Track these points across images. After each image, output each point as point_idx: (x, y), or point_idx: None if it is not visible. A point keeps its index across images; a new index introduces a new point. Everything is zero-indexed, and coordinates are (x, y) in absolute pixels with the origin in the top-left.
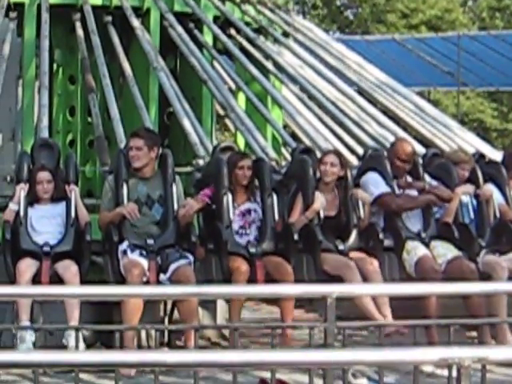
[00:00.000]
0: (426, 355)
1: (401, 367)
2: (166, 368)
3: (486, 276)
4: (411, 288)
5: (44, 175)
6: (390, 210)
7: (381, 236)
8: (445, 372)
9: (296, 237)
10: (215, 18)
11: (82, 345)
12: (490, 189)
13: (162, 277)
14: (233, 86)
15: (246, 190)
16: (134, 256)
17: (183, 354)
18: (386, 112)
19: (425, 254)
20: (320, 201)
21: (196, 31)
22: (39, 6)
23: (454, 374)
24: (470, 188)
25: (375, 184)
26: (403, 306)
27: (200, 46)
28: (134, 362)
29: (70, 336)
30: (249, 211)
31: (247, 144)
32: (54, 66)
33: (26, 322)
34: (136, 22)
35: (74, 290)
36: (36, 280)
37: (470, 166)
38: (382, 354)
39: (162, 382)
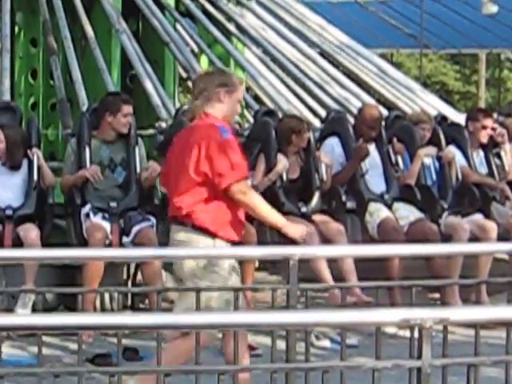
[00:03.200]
0: (387, 316)
1: (363, 329)
2: (130, 331)
3: (447, 237)
4: (374, 249)
5: None
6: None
7: (343, 198)
8: (407, 333)
9: None
10: None
11: (28, 311)
12: (452, 151)
13: (125, 239)
14: (195, 49)
15: None
16: (97, 219)
17: (146, 317)
18: (349, 74)
19: (387, 216)
20: (283, 163)
21: None
22: None
23: (416, 335)
24: (431, 150)
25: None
26: (366, 268)
27: (162, 8)
28: (97, 324)
29: (20, 300)
30: None
31: None
32: (16, 28)
33: None
34: None
35: (35, 252)
36: None
37: (430, 126)
38: (343, 315)
39: (126, 345)
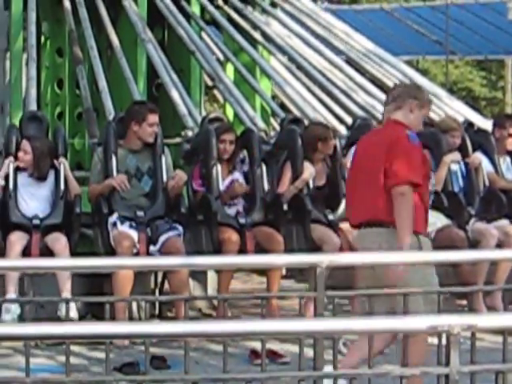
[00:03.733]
0: (415, 323)
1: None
2: (157, 339)
3: (475, 243)
4: (403, 256)
5: (24, 145)
6: None
7: None
8: (435, 340)
9: (285, 207)
10: None
11: (74, 315)
12: (479, 157)
13: (152, 248)
14: (221, 57)
15: (229, 162)
16: (124, 228)
17: (173, 325)
18: (374, 81)
19: None
20: (309, 171)
21: (183, 2)
22: None
23: (444, 341)
24: (457, 156)
25: None
26: None
27: (188, 16)
28: (125, 333)
29: (63, 308)
30: (232, 183)
31: (236, 115)
32: (42, 38)
33: (12, 295)
34: None
35: (63, 262)
36: (26, 253)
37: (460, 133)
38: (372, 322)
39: (153, 353)
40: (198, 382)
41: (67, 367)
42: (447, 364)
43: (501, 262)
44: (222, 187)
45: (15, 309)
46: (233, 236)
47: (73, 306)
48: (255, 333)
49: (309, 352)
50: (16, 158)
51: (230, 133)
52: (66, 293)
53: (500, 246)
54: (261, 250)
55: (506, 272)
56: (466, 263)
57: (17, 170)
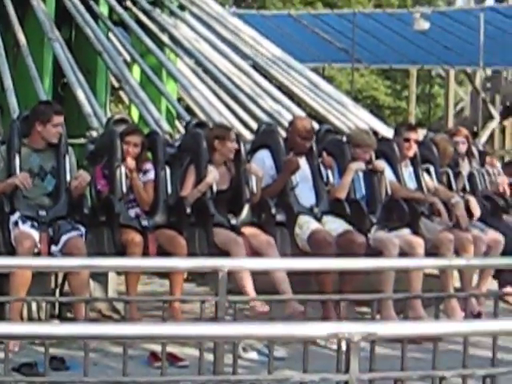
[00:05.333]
0: (316, 330)
1: (292, 341)
2: (57, 340)
3: (376, 252)
4: (304, 263)
5: None
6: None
7: (273, 211)
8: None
9: (188, 210)
10: None
11: None
12: (382, 163)
13: (54, 248)
14: (128, 58)
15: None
16: (26, 227)
17: (74, 326)
18: (281, 87)
19: (317, 228)
20: (213, 174)
21: (92, 2)
22: None
23: (344, 348)
24: (362, 165)
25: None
26: (297, 280)
27: (95, 17)
28: (24, 333)
29: None
30: None
31: (141, 116)
32: None
33: None
34: None
35: None
36: None
37: (371, 150)
38: (272, 327)
39: (52, 354)
40: None
41: None
42: (347, 371)
43: (411, 271)
44: (124, 189)
45: None
46: (136, 237)
47: None
48: (156, 336)
49: (208, 356)
50: None
51: (136, 135)
52: None
53: (402, 255)
54: (163, 252)
55: (419, 281)
56: (371, 271)
57: None
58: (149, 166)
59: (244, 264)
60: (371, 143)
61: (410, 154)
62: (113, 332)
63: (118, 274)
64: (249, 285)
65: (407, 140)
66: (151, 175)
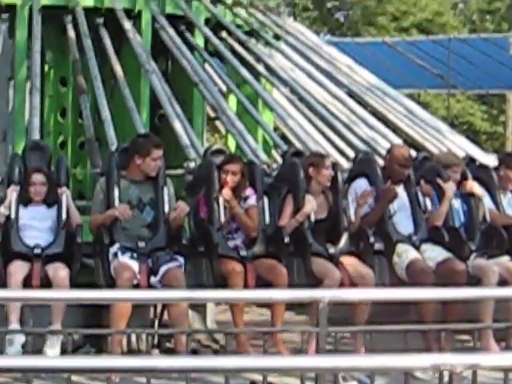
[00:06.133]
0: (418, 361)
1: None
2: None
3: (475, 280)
4: (405, 293)
5: (39, 177)
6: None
7: (371, 239)
8: (427, 375)
9: (287, 240)
10: (207, 21)
11: (57, 351)
12: (474, 184)
13: (153, 279)
14: (224, 89)
15: (233, 193)
16: (125, 259)
17: (176, 360)
18: (377, 115)
19: (416, 257)
20: (311, 204)
21: (187, 33)
22: (31, 8)
23: (446, 379)
24: (453, 185)
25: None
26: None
27: (191, 48)
28: (127, 366)
29: (48, 340)
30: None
31: (238, 146)
32: (46, 67)
33: (15, 325)
34: (128, 24)
35: (61, 293)
36: (27, 282)
37: (460, 169)
38: (374, 359)
39: None
40: None
41: None
42: None
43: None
44: (223, 219)
45: (19, 339)
46: (237, 267)
47: (53, 342)
48: (258, 368)
49: None
50: (22, 187)
51: (234, 163)
52: (56, 325)
53: (502, 283)
54: (263, 282)
55: None
56: (470, 301)
57: (19, 199)
58: (249, 191)
59: (344, 294)
60: (458, 162)
61: None
62: (215, 364)
63: (217, 304)
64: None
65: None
66: (253, 201)
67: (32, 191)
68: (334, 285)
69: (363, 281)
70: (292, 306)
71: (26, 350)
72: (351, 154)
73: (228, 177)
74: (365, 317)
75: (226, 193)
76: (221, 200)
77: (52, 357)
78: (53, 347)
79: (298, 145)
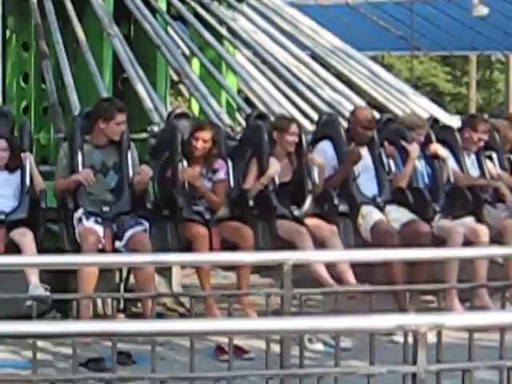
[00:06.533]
0: (382, 322)
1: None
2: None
3: (440, 241)
4: (369, 254)
5: (0, 143)
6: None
7: (336, 201)
8: (401, 338)
9: (251, 203)
10: None
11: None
12: (444, 151)
13: (118, 244)
14: (187, 52)
15: (203, 159)
16: (90, 223)
17: (142, 324)
18: (340, 77)
19: (380, 219)
20: (275, 167)
21: None
22: None
23: (411, 340)
24: (416, 147)
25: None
26: (361, 271)
27: (154, 11)
28: (93, 331)
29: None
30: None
31: (202, 110)
32: (7, 32)
33: None
34: None
35: (29, 259)
36: None
37: (424, 131)
38: (338, 321)
39: (119, 349)
40: (165, 380)
41: (34, 364)
42: (414, 363)
43: (476, 260)
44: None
45: None
46: (201, 230)
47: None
48: (223, 331)
49: (274, 348)
50: None
51: (206, 130)
52: (35, 277)
53: (466, 243)
54: (227, 245)
55: (484, 269)
56: (435, 261)
57: None
58: (219, 164)
59: (309, 256)
60: (422, 124)
61: (481, 144)
62: (181, 328)
63: (182, 267)
64: (326, 275)
65: (480, 139)
66: (222, 175)
67: None
68: (307, 244)
69: (329, 240)
70: (257, 268)
71: None
72: (315, 116)
73: (198, 144)
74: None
75: (190, 173)
76: (185, 164)
77: (16, 322)
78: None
79: (262, 108)
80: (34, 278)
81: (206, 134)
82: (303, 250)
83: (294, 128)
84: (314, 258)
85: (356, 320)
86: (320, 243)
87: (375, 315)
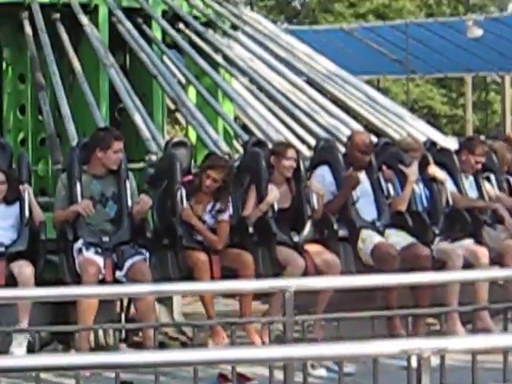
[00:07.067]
0: (385, 347)
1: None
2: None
3: (440, 264)
4: (370, 279)
5: None
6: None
7: (335, 226)
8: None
9: (251, 230)
10: (163, 13)
11: (24, 350)
12: (436, 169)
13: (118, 273)
14: (183, 80)
15: (210, 194)
16: (90, 254)
17: (146, 355)
18: (337, 102)
19: (380, 241)
20: (274, 193)
21: (145, 26)
22: None
23: (414, 364)
24: (415, 170)
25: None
26: (363, 297)
27: (149, 41)
28: (97, 363)
29: (15, 339)
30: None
31: (199, 138)
32: (4, 64)
33: None
34: (84, 19)
35: (28, 292)
36: None
37: (419, 153)
38: (342, 347)
39: (122, 379)
40: None
41: None
42: None
43: (477, 282)
44: (208, 214)
45: None
46: (202, 257)
47: (20, 341)
48: (227, 360)
49: (278, 375)
50: None
51: (217, 170)
52: (23, 325)
53: (466, 265)
54: (228, 273)
55: (485, 291)
56: (436, 285)
57: None
58: (225, 205)
59: (310, 283)
60: (417, 147)
61: (478, 167)
62: (185, 358)
63: (184, 296)
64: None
65: (478, 162)
66: (227, 216)
67: None
68: (296, 273)
69: (329, 268)
70: (257, 295)
71: None
72: (312, 142)
73: (208, 181)
74: (325, 304)
75: (187, 214)
76: (183, 192)
77: (20, 356)
78: (20, 346)
79: (259, 134)
80: (24, 318)
81: (218, 175)
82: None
83: (291, 153)
84: (315, 284)
85: (360, 346)
86: (320, 270)
87: (379, 340)
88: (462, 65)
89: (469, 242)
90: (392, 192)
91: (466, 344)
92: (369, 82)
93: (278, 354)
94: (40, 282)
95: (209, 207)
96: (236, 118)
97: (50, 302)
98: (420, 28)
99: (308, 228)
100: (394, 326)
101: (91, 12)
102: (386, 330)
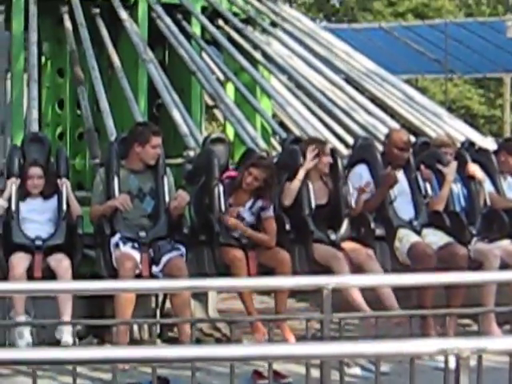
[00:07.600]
0: (424, 346)
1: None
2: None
3: (477, 264)
4: (408, 278)
5: (35, 171)
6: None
7: (372, 225)
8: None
9: (288, 227)
10: (203, 9)
11: (69, 340)
12: (476, 167)
13: (155, 269)
14: (221, 77)
15: (250, 191)
16: (127, 249)
17: (183, 349)
18: (375, 100)
19: (417, 240)
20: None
21: (184, 22)
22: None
23: (452, 364)
24: (453, 167)
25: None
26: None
27: (188, 37)
28: (134, 357)
29: (62, 331)
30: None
31: (237, 134)
32: (43, 58)
33: (22, 318)
34: (124, 14)
35: (67, 285)
36: (29, 274)
37: (452, 150)
38: (380, 346)
39: (158, 375)
40: None
41: None
42: None
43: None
44: (247, 211)
45: (27, 333)
46: (238, 254)
47: (69, 330)
48: (263, 357)
49: (314, 372)
50: (22, 180)
51: (260, 169)
52: (67, 316)
53: (503, 266)
54: (264, 270)
55: None
56: (473, 285)
57: (19, 190)
58: (266, 202)
59: (348, 281)
60: (449, 143)
61: None
62: (222, 354)
63: (219, 292)
64: (360, 300)
65: None
66: (271, 211)
67: (29, 185)
68: (342, 270)
69: (366, 264)
70: (293, 292)
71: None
72: (350, 140)
73: (249, 179)
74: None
75: (232, 221)
76: (221, 188)
77: (56, 349)
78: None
79: (297, 132)
80: (67, 313)
81: (260, 173)
82: (340, 274)
83: (327, 149)
84: (353, 282)
85: (398, 344)
86: (357, 267)
87: (417, 339)
88: (500, 65)
89: (506, 243)
90: (430, 191)
91: (506, 345)
92: (407, 81)
93: (317, 351)
94: (76, 276)
95: (248, 204)
96: (274, 115)
97: (85, 296)
98: (459, 28)
99: (345, 226)
100: (428, 325)
101: (131, 7)
102: (420, 329)
